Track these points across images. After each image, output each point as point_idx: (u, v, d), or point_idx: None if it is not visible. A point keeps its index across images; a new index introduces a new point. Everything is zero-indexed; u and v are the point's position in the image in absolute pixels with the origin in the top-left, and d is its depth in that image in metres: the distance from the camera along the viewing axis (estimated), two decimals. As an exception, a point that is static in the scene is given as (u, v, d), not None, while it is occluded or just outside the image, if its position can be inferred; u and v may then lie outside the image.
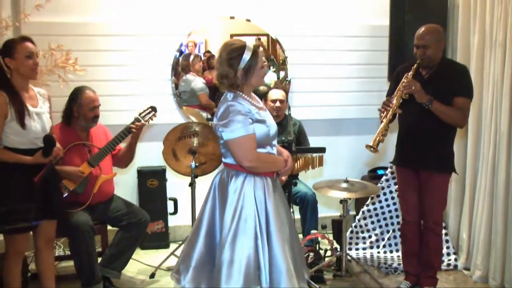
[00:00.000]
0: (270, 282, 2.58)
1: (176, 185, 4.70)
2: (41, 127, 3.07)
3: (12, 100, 2.96)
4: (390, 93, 3.60)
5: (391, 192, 4.55)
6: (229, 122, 2.55)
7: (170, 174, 4.63)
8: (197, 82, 4.85)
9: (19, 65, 3.00)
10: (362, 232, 4.62)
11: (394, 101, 3.36)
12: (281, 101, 4.33)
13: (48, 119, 3.16)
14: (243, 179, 2.64)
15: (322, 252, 4.08)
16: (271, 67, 4.98)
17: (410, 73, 3.39)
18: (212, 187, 2.73)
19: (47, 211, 3.12)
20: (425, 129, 3.43)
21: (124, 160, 3.97)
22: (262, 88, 4.42)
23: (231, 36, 4.73)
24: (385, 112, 3.40)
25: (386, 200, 4.57)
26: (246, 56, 2.58)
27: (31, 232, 3.25)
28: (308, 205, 4.31)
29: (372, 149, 3.32)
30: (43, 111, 3.13)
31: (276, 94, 4.35)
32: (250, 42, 2.70)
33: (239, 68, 2.58)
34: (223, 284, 2.52)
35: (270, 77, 4.98)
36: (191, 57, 4.79)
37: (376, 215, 4.60)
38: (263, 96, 4.40)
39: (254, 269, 2.56)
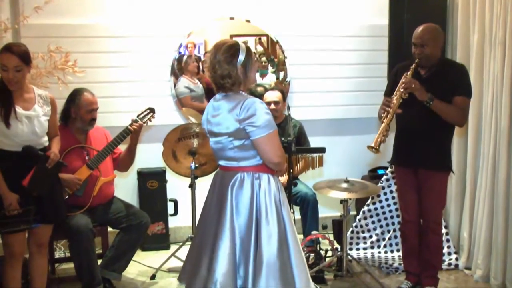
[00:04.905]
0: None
1: (176, 186, 4.69)
2: (30, 130, 3.04)
3: (1, 100, 2.96)
4: (387, 91, 3.61)
5: (391, 191, 4.54)
6: (258, 118, 2.51)
7: (170, 175, 4.63)
8: (179, 85, 4.76)
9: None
10: (363, 232, 4.62)
11: (394, 101, 3.35)
12: (275, 103, 4.31)
13: (42, 122, 3.11)
14: (267, 180, 2.63)
15: (322, 252, 4.07)
16: (271, 67, 4.97)
17: (409, 72, 3.38)
18: (229, 193, 2.60)
19: (43, 216, 3.12)
20: (423, 128, 3.42)
21: (124, 163, 3.96)
22: (259, 89, 4.41)
23: (231, 36, 4.72)
24: (385, 113, 3.39)
25: (387, 200, 4.57)
26: (242, 51, 2.58)
27: (27, 236, 3.25)
28: (308, 205, 4.30)
29: (373, 150, 3.31)
30: (37, 115, 3.08)
31: (271, 96, 4.35)
32: (239, 40, 2.70)
33: (238, 65, 2.57)
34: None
35: (270, 78, 4.97)
36: (184, 58, 4.76)
37: (377, 215, 4.59)
38: (260, 98, 4.40)
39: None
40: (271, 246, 2.54)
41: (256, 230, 2.57)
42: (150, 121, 3.88)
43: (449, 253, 4.28)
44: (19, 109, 3.01)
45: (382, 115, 3.40)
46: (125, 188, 4.64)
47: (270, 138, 2.55)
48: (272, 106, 4.27)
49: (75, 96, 3.70)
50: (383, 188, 4.54)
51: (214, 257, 2.56)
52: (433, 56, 3.39)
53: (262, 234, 2.55)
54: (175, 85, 4.76)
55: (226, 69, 2.56)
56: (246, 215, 2.58)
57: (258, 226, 2.57)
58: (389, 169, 4.55)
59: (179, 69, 4.75)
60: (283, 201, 2.67)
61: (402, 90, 3.33)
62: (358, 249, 4.58)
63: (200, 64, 4.80)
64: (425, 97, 3.30)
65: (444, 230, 4.07)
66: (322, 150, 4.02)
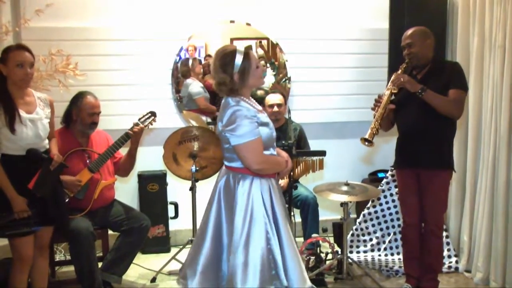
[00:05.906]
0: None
1: (177, 189, 4.69)
2: (34, 133, 3.04)
3: (4, 106, 2.96)
4: None
5: (391, 195, 4.54)
6: (237, 127, 2.56)
7: (171, 178, 4.63)
8: (194, 86, 4.82)
9: (10, 72, 3.00)
10: (363, 235, 4.62)
11: (385, 97, 3.41)
12: (278, 105, 4.32)
13: (45, 125, 3.12)
14: (250, 181, 2.66)
15: (323, 255, 4.08)
16: (271, 71, 4.98)
17: (399, 71, 3.44)
18: (217, 191, 2.73)
19: (45, 218, 3.12)
20: (423, 128, 3.44)
21: (125, 167, 3.96)
22: (259, 92, 4.42)
23: (231, 40, 4.74)
24: (376, 108, 3.44)
25: (387, 203, 4.57)
26: (238, 59, 2.60)
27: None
28: (309, 208, 4.31)
29: (366, 143, 3.32)
30: (40, 117, 3.09)
31: (273, 98, 4.36)
32: (241, 45, 2.72)
33: (234, 72, 2.60)
34: (240, 286, 2.53)
35: (269, 81, 4.98)
36: (190, 61, 4.78)
37: (377, 218, 4.60)
38: (261, 101, 4.41)
39: (268, 270, 2.58)
40: (233, 248, 2.59)
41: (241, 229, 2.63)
42: (152, 124, 3.89)
43: (449, 256, 4.29)
44: (22, 113, 3.02)
45: (373, 110, 3.46)
46: (126, 191, 4.64)
47: (248, 146, 2.57)
48: (275, 108, 4.29)
49: (78, 98, 3.72)
50: (383, 191, 4.54)
51: (198, 254, 2.68)
52: (422, 55, 3.44)
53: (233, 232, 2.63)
54: (177, 89, 4.77)
55: (221, 78, 2.62)
56: (229, 214, 2.65)
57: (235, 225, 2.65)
58: (389, 172, 4.55)
59: (185, 71, 4.76)
60: (275, 203, 2.70)
61: (391, 84, 3.39)
62: (358, 252, 4.58)
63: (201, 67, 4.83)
64: (417, 88, 3.33)
65: (444, 233, 4.07)
66: (322, 153, 4.03)
